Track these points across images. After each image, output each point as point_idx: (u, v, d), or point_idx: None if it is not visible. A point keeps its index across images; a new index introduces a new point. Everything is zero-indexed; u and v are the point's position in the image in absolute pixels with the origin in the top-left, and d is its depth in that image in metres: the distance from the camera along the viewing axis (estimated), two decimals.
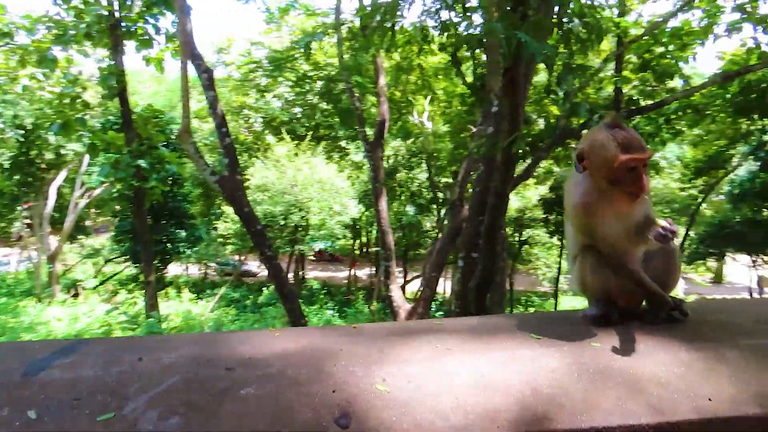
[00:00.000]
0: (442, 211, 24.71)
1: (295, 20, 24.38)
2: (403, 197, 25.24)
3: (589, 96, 19.17)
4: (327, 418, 1.16)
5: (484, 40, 5.51)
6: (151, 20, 14.65)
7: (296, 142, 24.20)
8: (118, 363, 1.48)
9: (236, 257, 31.46)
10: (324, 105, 24.73)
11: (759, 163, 21.56)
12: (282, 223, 22.61)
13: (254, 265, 32.33)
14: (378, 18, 4.79)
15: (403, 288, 19.83)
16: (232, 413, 1.19)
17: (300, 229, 23.66)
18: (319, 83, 23.95)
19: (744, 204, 21.70)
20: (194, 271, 33.56)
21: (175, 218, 23.00)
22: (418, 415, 1.17)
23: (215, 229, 27.29)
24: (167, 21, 14.73)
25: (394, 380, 1.32)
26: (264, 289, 26.50)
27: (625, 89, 18.41)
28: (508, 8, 4.60)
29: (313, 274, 34.96)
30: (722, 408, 1.19)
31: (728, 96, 19.14)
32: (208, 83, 10.60)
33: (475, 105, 20.43)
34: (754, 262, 21.36)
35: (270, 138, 25.88)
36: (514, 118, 5.01)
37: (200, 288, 28.15)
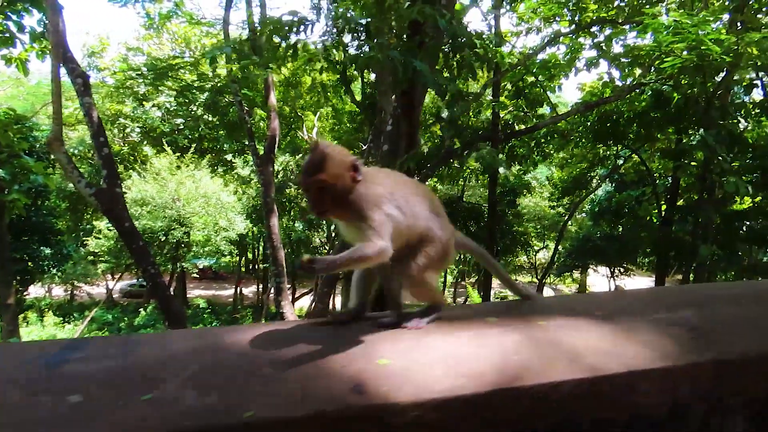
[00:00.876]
0: (332, 227, 24.78)
1: (177, 28, 23.45)
2: (292, 213, 24.96)
3: (470, 119, 20.38)
4: (346, 388, 1.35)
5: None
6: (14, 16, 13.25)
7: (178, 154, 23.04)
8: (133, 355, 1.55)
9: (109, 276, 29.09)
10: (209, 117, 23.85)
11: (613, 185, 23.93)
12: (162, 239, 21.33)
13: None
14: (279, 36, 4.81)
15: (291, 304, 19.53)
16: (263, 390, 1.33)
17: (183, 245, 22.46)
18: (205, 94, 23.10)
19: (603, 221, 23.98)
20: (59, 292, 30.44)
21: (39, 234, 20.77)
22: (418, 381, 1.41)
23: (84, 245, 25.02)
24: (33, 18, 13.37)
25: (391, 356, 1.56)
26: (141, 310, 24.76)
27: (502, 114, 19.80)
28: (406, 35, 4.78)
29: (197, 293, 33.27)
30: (640, 363, 1.57)
31: (588, 124, 20.85)
32: (83, 89, 9.90)
33: (365, 123, 20.86)
34: (612, 272, 23.85)
35: (148, 149, 24.35)
36: (411, 137, 5.28)
37: (66, 311, 25.60)
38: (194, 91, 21.81)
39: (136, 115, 24.03)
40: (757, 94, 19.21)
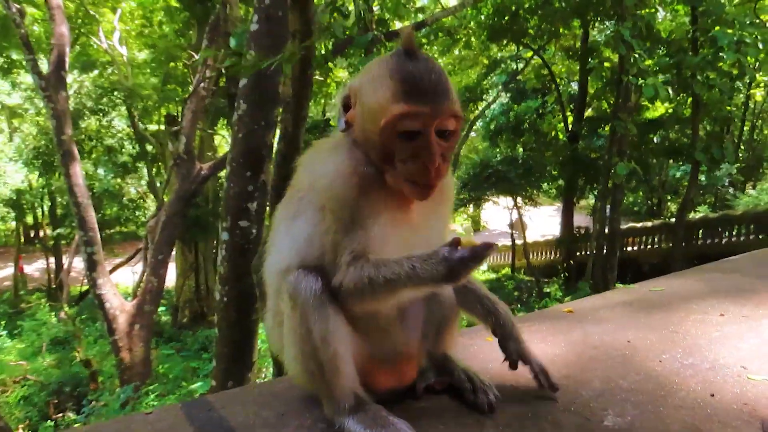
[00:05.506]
0: (155, 171, 18.52)
1: None
2: (94, 154, 18.23)
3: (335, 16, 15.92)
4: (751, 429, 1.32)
5: None
6: None
7: None
8: None
9: None
10: None
11: (509, 95, 20.79)
12: None
13: None
14: None
15: None
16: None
17: None
18: None
19: (500, 140, 22.35)
20: None
21: None
22: None
23: None
24: None
25: (752, 365, 1.49)
26: None
27: (375, 6, 15.72)
28: None
29: None
30: None
31: (482, 18, 18.21)
32: None
33: (190, 24, 16.29)
34: (515, 203, 20.33)
35: None
36: (306, 31, 4.30)
37: None
38: None
39: None
40: None
